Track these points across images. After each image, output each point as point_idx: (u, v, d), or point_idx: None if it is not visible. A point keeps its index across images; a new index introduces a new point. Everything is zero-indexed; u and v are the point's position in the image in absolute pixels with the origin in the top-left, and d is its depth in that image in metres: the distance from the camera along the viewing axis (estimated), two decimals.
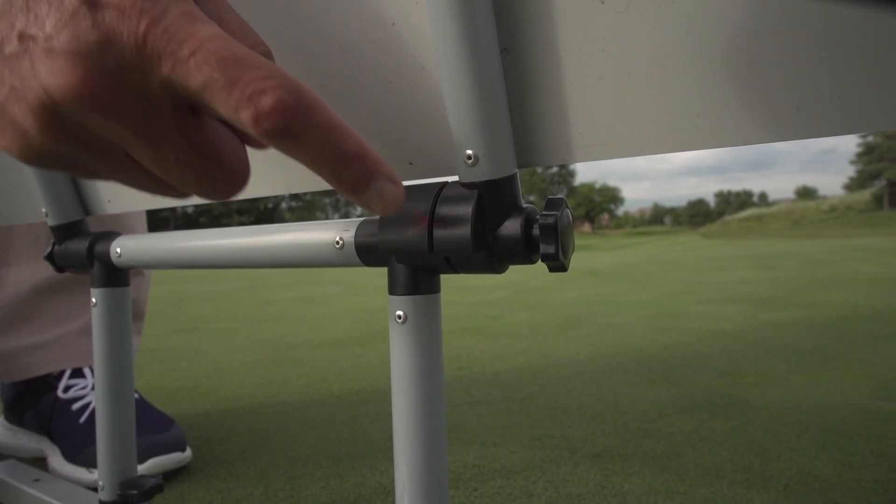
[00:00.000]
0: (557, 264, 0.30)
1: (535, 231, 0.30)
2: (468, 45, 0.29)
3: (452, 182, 0.32)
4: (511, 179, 0.31)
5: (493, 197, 0.31)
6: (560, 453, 0.79)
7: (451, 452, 0.81)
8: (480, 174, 0.30)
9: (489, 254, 0.31)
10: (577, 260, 6.95)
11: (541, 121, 0.31)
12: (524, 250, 0.30)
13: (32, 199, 0.58)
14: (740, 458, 0.75)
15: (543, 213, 0.30)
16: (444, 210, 0.31)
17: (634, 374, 1.23)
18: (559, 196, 0.31)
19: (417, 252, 0.31)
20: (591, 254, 9.94)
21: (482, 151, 0.30)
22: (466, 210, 0.30)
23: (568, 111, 0.30)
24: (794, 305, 2.29)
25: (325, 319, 2.32)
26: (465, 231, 0.30)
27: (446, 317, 2.24)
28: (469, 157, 0.30)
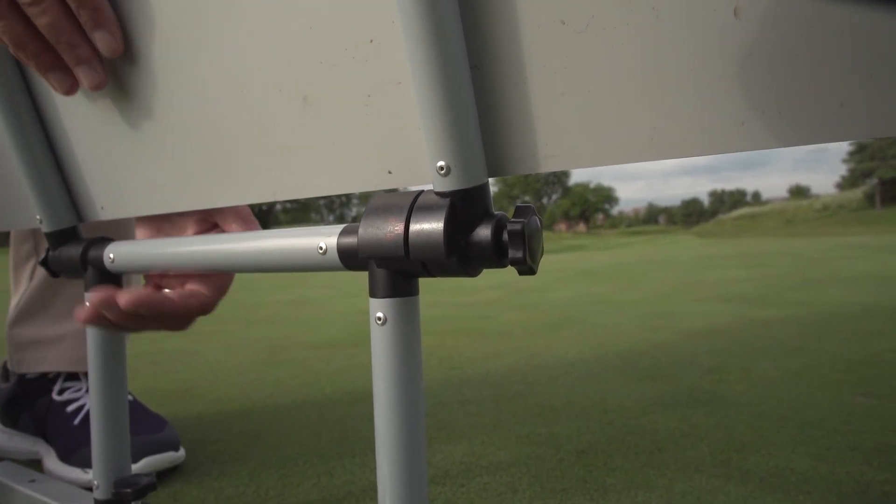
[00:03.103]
0: (525, 268, 0.32)
1: (505, 237, 0.32)
2: (439, 62, 0.31)
3: (427, 191, 0.34)
4: (482, 188, 0.33)
5: (465, 205, 0.32)
6: (546, 450, 0.81)
7: (439, 450, 0.83)
8: (453, 183, 0.32)
9: (462, 258, 0.33)
10: (571, 260, 6.98)
11: (509, 133, 0.33)
12: (494, 255, 0.32)
13: (27, 205, 0.60)
14: (720, 453, 0.77)
15: (512, 220, 0.32)
16: (419, 218, 0.32)
17: (622, 372, 1.25)
18: (527, 204, 0.33)
19: (395, 257, 0.33)
20: (585, 253, 9.98)
21: (454, 162, 0.32)
22: (439, 218, 0.32)
23: (534, 124, 0.32)
24: (783, 303, 2.31)
25: (318, 321, 2.34)
26: (438, 238, 0.31)
27: (439, 318, 2.26)
28: (442, 168, 0.32)
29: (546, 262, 6.49)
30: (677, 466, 0.74)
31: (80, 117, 0.51)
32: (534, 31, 0.30)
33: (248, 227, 0.51)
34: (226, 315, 2.61)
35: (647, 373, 1.24)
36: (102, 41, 0.41)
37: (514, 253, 0.31)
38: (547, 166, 0.32)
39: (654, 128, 0.29)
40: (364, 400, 1.11)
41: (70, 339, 0.80)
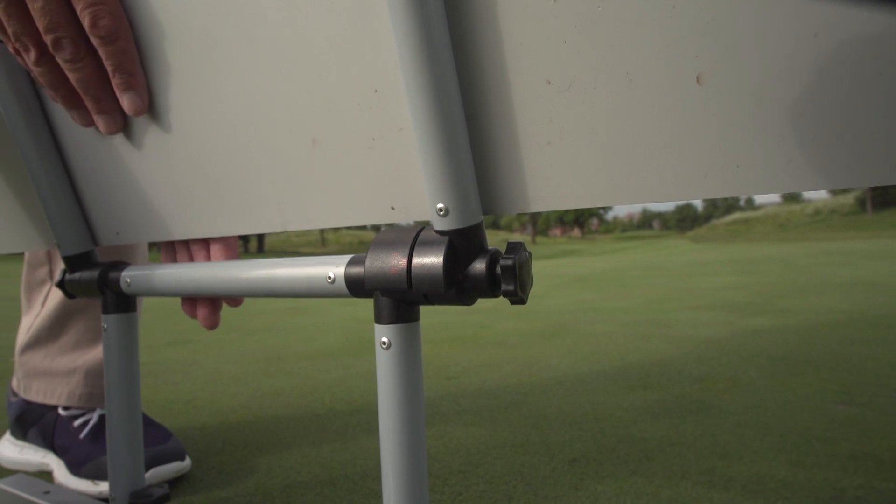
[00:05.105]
0: (517, 299, 0.35)
1: (498, 270, 0.35)
2: (437, 113, 0.34)
3: (427, 227, 0.37)
4: (477, 226, 0.36)
5: (462, 241, 0.36)
6: (539, 459, 0.84)
7: (438, 459, 0.86)
8: (451, 223, 0.36)
9: (459, 290, 0.36)
10: (565, 266, 7.03)
11: (501, 177, 0.36)
12: (489, 287, 0.36)
13: (46, 228, 0.63)
14: (705, 461, 0.81)
15: (504, 256, 0.35)
16: (421, 253, 0.36)
17: (613, 381, 1.29)
18: (518, 241, 0.36)
19: (398, 289, 0.36)
20: (579, 259, 10.03)
21: (452, 204, 0.35)
22: (439, 254, 0.35)
23: (524, 169, 0.36)
24: (772, 311, 2.36)
25: (316, 329, 2.36)
26: (438, 272, 0.35)
27: (437, 325, 2.29)
28: (441, 210, 0.35)
29: (541, 268, 6.52)
30: (665, 474, 0.77)
31: (97, 148, 0.55)
32: (523, 88, 0.34)
33: (228, 243, 0.55)
34: (223, 323, 2.63)
35: (637, 382, 1.27)
36: (130, 102, 0.45)
37: (506, 286, 0.35)
38: (536, 207, 0.36)
39: (629, 176, 0.33)
40: (363, 410, 1.14)
41: (80, 375, 0.82)
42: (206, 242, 0.56)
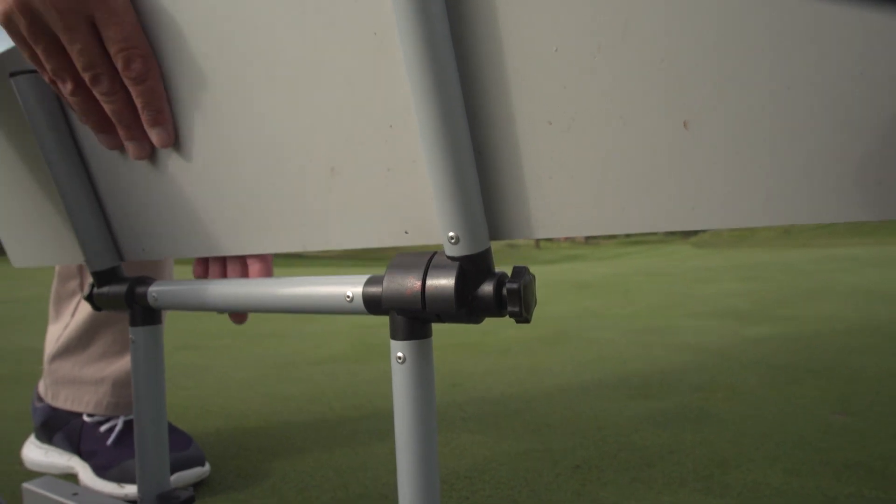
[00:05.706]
0: (522, 319, 0.39)
1: (504, 292, 0.39)
2: (449, 147, 0.38)
3: (439, 252, 0.41)
4: (485, 252, 0.40)
5: (472, 266, 0.39)
6: (543, 465, 0.88)
7: (445, 465, 0.89)
8: (461, 250, 0.39)
9: (469, 310, 0.39)
10: (568, 272, 7.04)
11: (507, 206, 0.40)
12: (496, 308, 0.39)
13: (73, 244, 0.67)
14: (703, 469, 0.84)
15: (510, 280, 0.38)
16: (434, 277, 0.39)
17: (615, 389, 1.32)
18: (523, 266, 0.40)
19: (413, 309, 0.40)
20: (582, 265, 10.03)
21: (462, 233, 0.39)
22: (450, 278, 0.39)
23: (528, 200, 0.39)
24: (773, 319, 2.38)
25: (324, 336, 2.40)
26: (449, 294, 0.38)
27: (442, 331, 2.32)
28: (452, 238, 0.39)
29: (544, 274, 6.54)
30: (664, 481, 0.80)
31: (123, 169, 0.58)
32: (527, 127, 0.38)
33: (264, 258, 0.59)
34: (233, 330, 2.67)
35: (638, 390, 1.30)
36: (158, 137, 0.49)
37: (512, 307, 0.38)
38: (538, 234, 0.39)
39: (623, 207, 0.36)
40: (371, 416, 1.17)
41: (108, 385, 0.86)
42: (241, 258, 0.59)
